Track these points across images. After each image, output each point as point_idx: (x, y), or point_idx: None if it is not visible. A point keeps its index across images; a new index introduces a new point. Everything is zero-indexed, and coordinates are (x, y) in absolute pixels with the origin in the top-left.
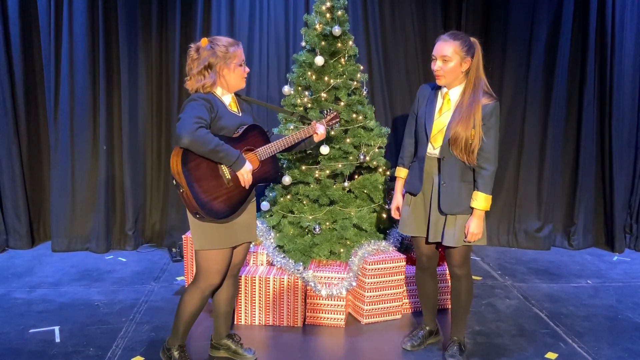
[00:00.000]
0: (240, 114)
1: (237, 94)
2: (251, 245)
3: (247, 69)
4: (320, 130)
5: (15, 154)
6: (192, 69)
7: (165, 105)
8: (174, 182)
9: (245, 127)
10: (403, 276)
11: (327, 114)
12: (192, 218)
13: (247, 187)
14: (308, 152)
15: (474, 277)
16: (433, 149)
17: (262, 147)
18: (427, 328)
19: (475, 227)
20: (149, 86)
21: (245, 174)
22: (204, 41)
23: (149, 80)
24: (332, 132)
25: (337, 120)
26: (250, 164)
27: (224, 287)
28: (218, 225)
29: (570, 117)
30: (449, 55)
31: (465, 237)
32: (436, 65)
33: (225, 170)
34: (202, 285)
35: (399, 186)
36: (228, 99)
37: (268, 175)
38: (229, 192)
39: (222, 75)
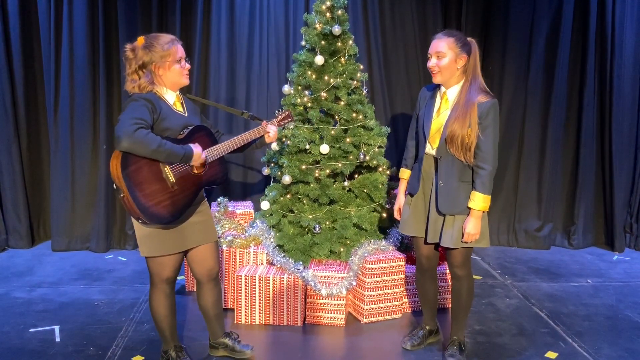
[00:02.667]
0: (187, 114)
1: (183, 93)
2: (251, 245)
3: (188, 66)
4: (271, 131)
5: (15, 154)
6: (127, 70)
7: None
8: (115, 186)
9: (190, 128)
10: (403, 275)
11: (278, 114)
12: (137, 224)
13: (206, 164)
14: (308, 151)
15: (474, 276)
16: (431, 149)
17: (210, 149)
18: (427, 327)
19: (472, 228)
20: None
21: (200, 160)
22: (140, 40)
23: None
24: (328, 135)
25: (290, 120)
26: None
27: (206, 293)
28: (164, 231)
29: (570, 117)
30: (443, 51)
31: (462, 238)
32: (431, 62)
33: (169, 174)
34: (160, 285)
35: (402, 187)
36: (172, 98)
37: (216, 178)
38: (174, 196)
39: (157, 74)
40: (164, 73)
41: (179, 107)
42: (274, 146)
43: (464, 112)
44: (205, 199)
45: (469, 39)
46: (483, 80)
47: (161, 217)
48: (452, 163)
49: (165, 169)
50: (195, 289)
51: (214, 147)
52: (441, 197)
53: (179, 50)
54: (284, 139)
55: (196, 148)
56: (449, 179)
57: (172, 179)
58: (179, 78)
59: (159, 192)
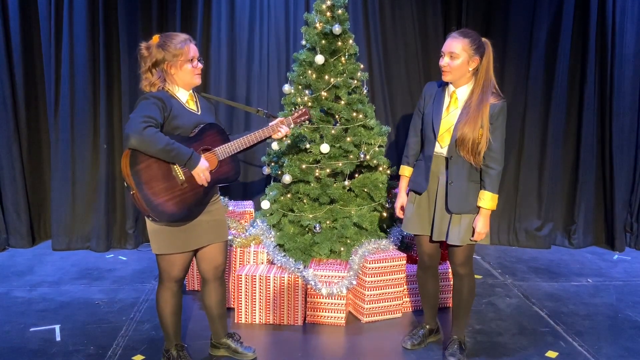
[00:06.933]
0: (200, 112)
1: (197, 92)
2: (252, 245)
3: (200, 65)
4: (282, 130)
5: (15, 153)
6: (142, 67)
7: None
8: (125, 184)
9: (201, 126)
10: (403, 275)
11: (295, 111)
12: (148, 221)
13: (205, 186)
14: (308, 150)
15: (474, 275)
16: (440, 148)
17: (221, 147)
18: (428, 327)
19: (481, 227)
20: None
21: (202, 173)
22: (155, 38)
23: None
24: (328, 134)
25: (306, 117)
26: (208, 163)
27: (211, 291)
28: (175, 229)
29: (570, 117)
30: (457, 52)
31: (472, 236)
32: (443, 61)
33: (179, 171)
34: (168, 284)
35: (403, 185)
36: (185, 97)
37: (228, 176)
38: (183, 194)
39: (170, 73)
40: (176, 72)
41: (192, 106)
42: (275, 145)
43: (476, 115)
44: (219, 197)
45: (483, 39)
46: (495, 79)
47: (170, 214)
48: (463, 163)
49: (175, 167)
50: (195, 289)
51: (226, 144)
52: (451, 197)
53: (192, 50)
54: (284, 138)
55: (204, 162)
56: (458, 178)
57: (181, 177)
58: (191, 77)
59: (168, 190)
